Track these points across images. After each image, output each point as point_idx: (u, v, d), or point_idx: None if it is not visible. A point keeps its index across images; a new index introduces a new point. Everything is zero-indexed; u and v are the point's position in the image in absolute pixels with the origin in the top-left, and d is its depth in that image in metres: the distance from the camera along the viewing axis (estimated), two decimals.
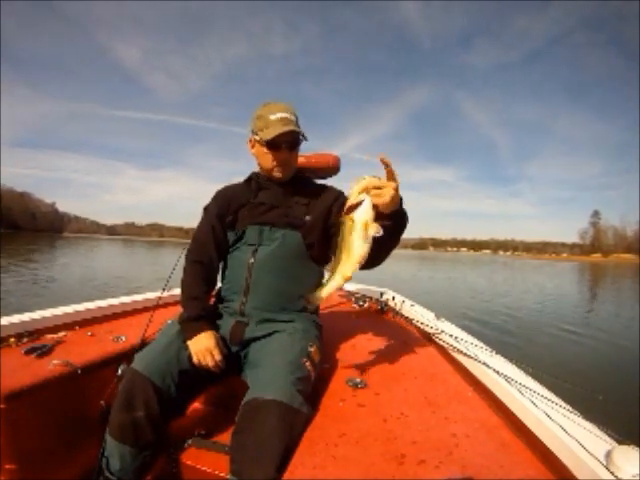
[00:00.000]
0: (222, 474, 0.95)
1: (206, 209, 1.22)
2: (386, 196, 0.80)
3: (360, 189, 0.80)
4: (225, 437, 1.04)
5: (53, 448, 1.04)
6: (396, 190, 0.82)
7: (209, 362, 0.97)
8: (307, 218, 1.12)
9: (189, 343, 0.99)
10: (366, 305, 2.08)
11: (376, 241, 0.82)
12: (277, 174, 1.13)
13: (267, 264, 1.08)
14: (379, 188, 0.80)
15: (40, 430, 1.01)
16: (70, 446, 1.08)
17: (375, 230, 0.80)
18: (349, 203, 0.81)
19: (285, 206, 1.14)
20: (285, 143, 1.08)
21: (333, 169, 1.57)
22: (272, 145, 1.08)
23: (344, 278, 0.84)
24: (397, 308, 1.97)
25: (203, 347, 0.98)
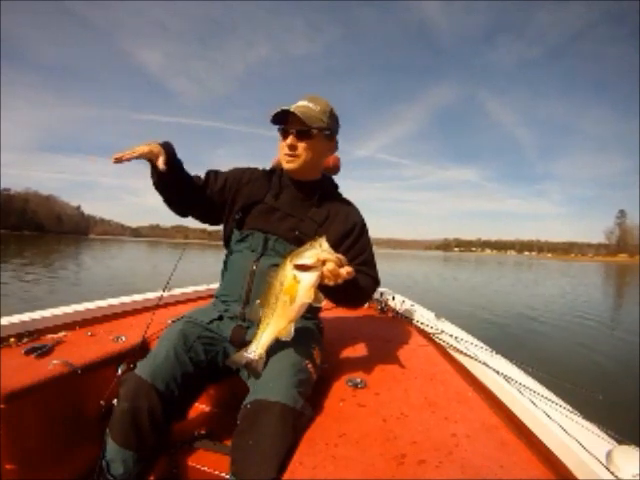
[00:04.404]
0: (223, 474, 0.95)
1: (213, 172, 1.18)
2: (331, 280, 0.81)
3: (315, 256, 0.80)
4: (226, 437, 1.04)
5: (53, 448, 1.03)
6: (345, 274, 0.82)
7: (142, 147, 0.94)
8: None
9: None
10: (366, 305, 2.08)
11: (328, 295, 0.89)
12: (284, 164, 1.10)
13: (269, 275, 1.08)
14: (333, 264, 0.80)
15: (40, 430, 1.00)
16: (70, 446, 1.08)
17: (314, 299, 0.80)
18: (302, 259, 0.80)
19: (298, 217, 1.11)
20: (278, 123, 1.06)
21: (333, 169, 1.57)
22: (275, 125, 1.07)
23: (279, 333, 0.83)
24: (397, 308, 1.97)
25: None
